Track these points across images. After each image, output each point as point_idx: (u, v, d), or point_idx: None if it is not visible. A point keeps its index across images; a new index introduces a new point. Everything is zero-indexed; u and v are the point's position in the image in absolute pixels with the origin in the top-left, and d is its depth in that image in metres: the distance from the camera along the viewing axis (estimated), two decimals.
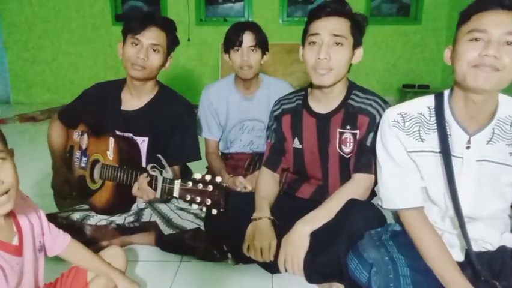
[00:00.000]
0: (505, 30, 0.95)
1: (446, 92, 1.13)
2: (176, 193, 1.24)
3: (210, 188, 1.19)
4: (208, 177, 1.21)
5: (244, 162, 2.03)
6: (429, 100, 1.15)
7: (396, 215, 1.23)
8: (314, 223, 1.29)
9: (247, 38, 1.82)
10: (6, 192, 0.82)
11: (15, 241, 0.92)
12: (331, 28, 1.28)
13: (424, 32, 5.46)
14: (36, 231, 0.99)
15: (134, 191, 1.41)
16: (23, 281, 0.92)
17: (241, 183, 1.80)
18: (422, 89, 5.24)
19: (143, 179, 1.36)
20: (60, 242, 1.07)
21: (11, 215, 0.93)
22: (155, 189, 1.33)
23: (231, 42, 1.84)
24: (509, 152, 1.06)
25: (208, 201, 1.19)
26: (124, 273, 1.17)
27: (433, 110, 1.12)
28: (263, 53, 1.89)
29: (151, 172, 1.35)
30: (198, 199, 1.20)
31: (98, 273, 1.11)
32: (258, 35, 1.84)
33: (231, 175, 1.89)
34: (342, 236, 1.21)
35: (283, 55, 4.76)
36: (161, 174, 1.31)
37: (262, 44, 1.86)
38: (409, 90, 5.31)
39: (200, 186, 1.20)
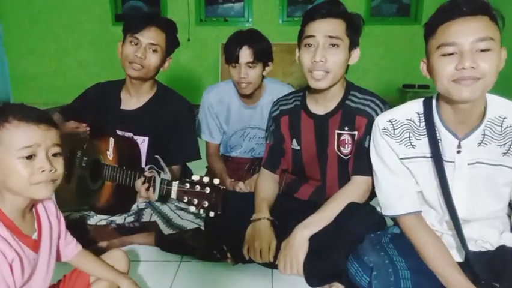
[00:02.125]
0: (474, 38, 0.93)
1: (435, 97, 1.12)
2: (173, 195, 1.24)
3: (208, 190, 1.19)
4: (206, 179, 1.21)
5: (245, 165, 2.02)
6: (418, 105, 1.14)
7: (395, 219, 1.23)
8: (313, 227, 1.29)
9: (244, 54, 1.70)
10: (53, 181, 0.89)
11: (34, 237, 0.94)
12: (326, 30, 1.27)
13: None
14: (54, 233, 1.00)
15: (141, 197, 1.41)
16: (34, 278, 0.93)
17: (241, 190, 1.79)
18: (422, 89, 5.22)
19: (140, 186, 1.37)
20: (71, 249, 1.08)
21: (35, 211, 0.96)
22: (153, 190, 1.33)
23: (229, 57, 1.73)
24: (501, 152, 1.05)
25: (206, 204, 1.19)
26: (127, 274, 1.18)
27: (422, 115, 1.12)
28: (265, 65, 1.77)
29: (148, 173, 1.35)
30: (195, 201, 1.20)
31: (104, 279, 1.12)
32: (256, 48, 1.71)
33: (232, 180, 1.87)
34: (342, 240, 1.21)
35: (283, 55, 4.75)
36: (159, 175, 1.31)
37: (262, 57, 1.73)
38: (409, 90, 5.29)
39: (197, 188, 1.20)
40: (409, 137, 1.12)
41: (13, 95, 6.11)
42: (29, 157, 0.84)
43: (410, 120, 1.13)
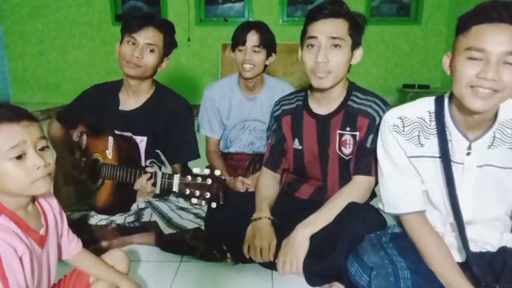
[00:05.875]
0: (505, 50, 0.90)
1: (447, 96, 1.10)
2: (175, 187, 1.24)
3: (209, 181, 1.19)
4: (207, 171, 1.22)
5: (245, 162, 2.03)
6: (429, 103, 1.12)
7: (397, 217, 1.22)
8: (314, 226, 1.29)
9: (252, 38, 1.81)
10: (49, 174, 0.89)
11: (41, 232, 0.93)
12: (329, 30, 1.27)
13: (424, 32, 5.44)
14: (58, 229, 1.01)
15: (138, 186, 1.42)
16: (42, 275, 0.93)
17: (243, 182, 1.79)
18: (422, 89, 5.23)
19: (142, 184, 1.37)
20: (72, 247, 1.08)
21: (39, 207, 0.96)
22: (154, 184, 1.33)
23: (236, 40, 1.84)
24: (511, 155, 1.04)
25: (208, 195, 1.19)
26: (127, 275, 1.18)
27: (433, 114, 1.10)
28: (269, 54, 1.87)
29: (149, 168, 1.35)
30: (197, 193, 1.20)
31: (104, 279, 1.12)
32: (263, 35, 1.82)
33: (231, 178, 1.88)
34: (342, 240, 1.21)
35: (283, 55, 4.74)
36: (160, 170, 1.31)
37: (267, 44, 1.84)
38: (409, 90, 5.29)
39: (199, 180, 1.20)
40: (418, 135, 1.11)
41: (13, 95, 6.12)
42: (19, 157, 0.82)
43: (421, 118, 1.11)
